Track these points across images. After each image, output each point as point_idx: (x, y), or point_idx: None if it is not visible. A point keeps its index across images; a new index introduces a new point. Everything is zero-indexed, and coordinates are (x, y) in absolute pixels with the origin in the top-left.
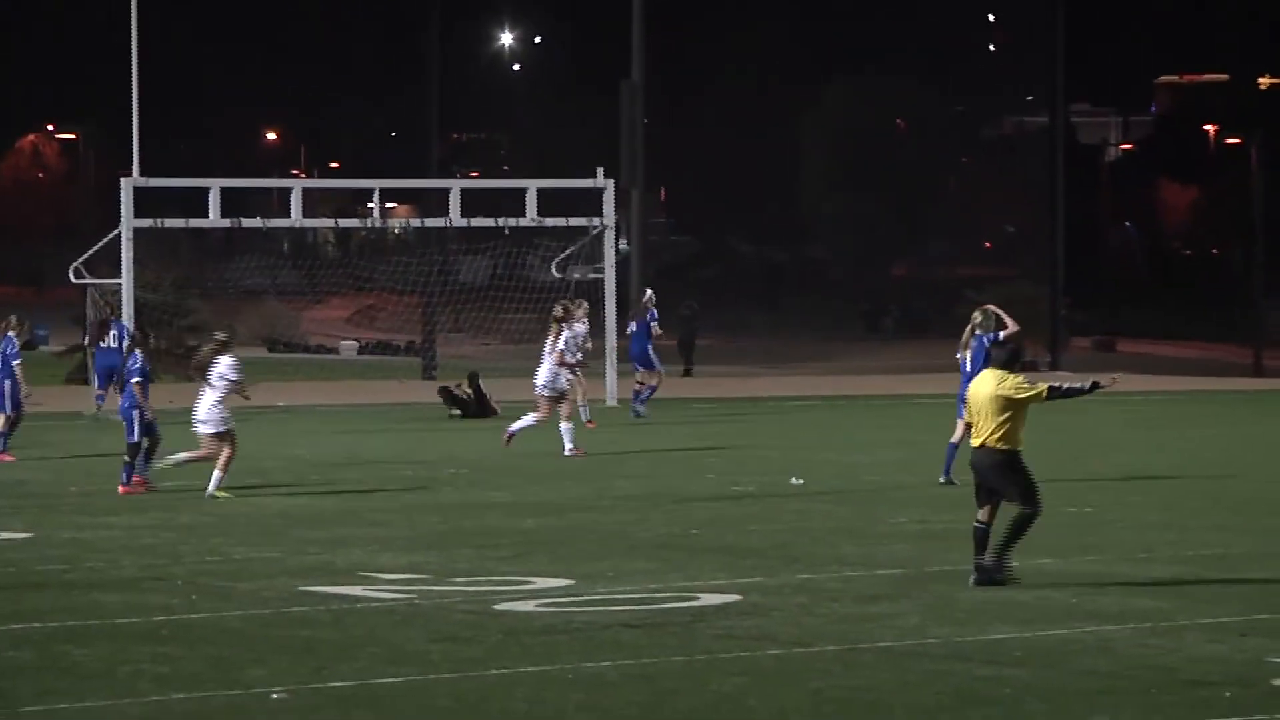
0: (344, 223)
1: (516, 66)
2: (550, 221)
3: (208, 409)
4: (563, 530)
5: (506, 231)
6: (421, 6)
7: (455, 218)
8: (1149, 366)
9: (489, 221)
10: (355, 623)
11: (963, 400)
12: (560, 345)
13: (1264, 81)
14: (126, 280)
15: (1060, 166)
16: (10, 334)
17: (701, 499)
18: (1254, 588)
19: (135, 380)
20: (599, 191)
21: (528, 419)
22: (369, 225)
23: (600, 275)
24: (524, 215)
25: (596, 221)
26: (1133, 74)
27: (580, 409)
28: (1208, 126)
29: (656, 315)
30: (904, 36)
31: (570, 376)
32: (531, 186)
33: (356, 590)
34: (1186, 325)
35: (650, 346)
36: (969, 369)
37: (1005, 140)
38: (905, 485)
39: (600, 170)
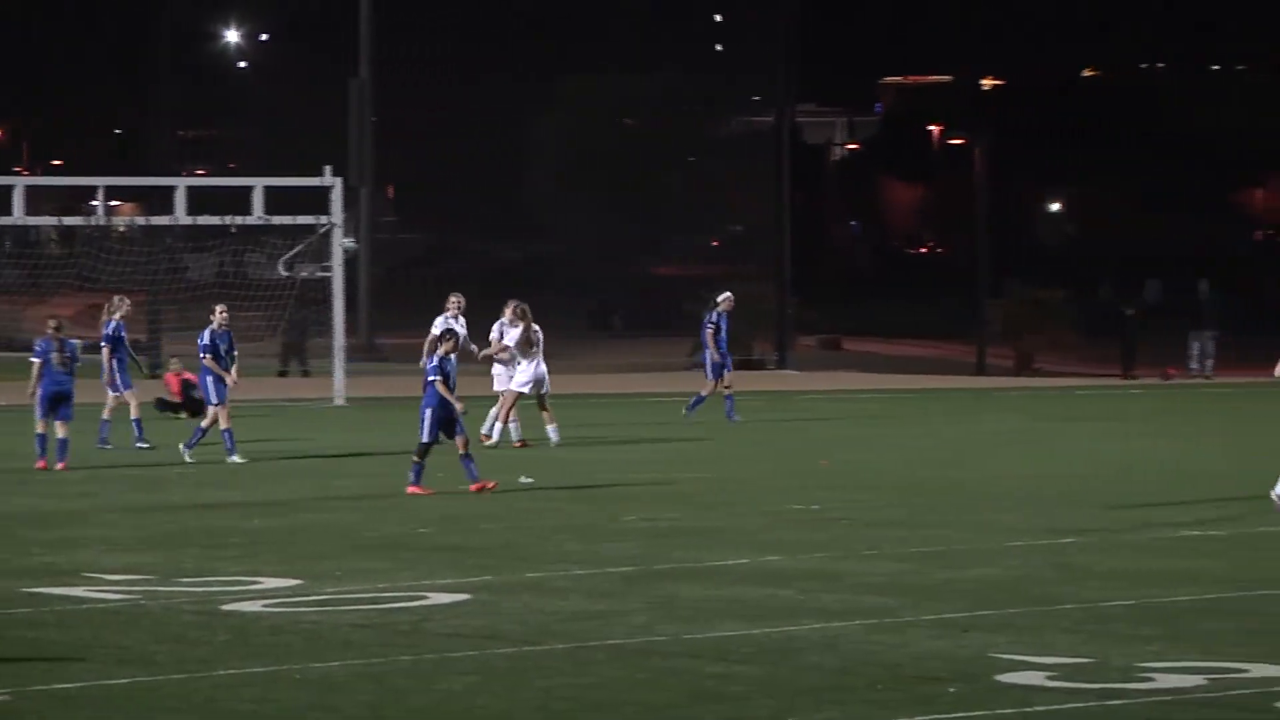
0: (68, 220)
1: (243, 64)
2: (278, 219)
3: None
4: (291, 530)
5: (234, 230)
6: (147, 4)
7: (181, 216)
8: (874, 365)
9: (215, 220)
10: (80, 624)
11: None
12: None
13: (987, 83)
14: None
15: (786, 166)
16: (213, 326)
17: (429, 497)
18: (976, 584)
19: (432, 379)
20: (326, 190)
21: None
22: (93, 223)
23: (327, 274)
24: (251, 213)
25: (324, 220)
26: (858, 74)
27: None
28: (932, 126)
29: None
30: (630, 35)
31: None
32: (258, 185)
33: (81, 591)
34: (911, 324)
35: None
36: None
37: (732, 140)
38: (635, 483)
39: (328, 169)
